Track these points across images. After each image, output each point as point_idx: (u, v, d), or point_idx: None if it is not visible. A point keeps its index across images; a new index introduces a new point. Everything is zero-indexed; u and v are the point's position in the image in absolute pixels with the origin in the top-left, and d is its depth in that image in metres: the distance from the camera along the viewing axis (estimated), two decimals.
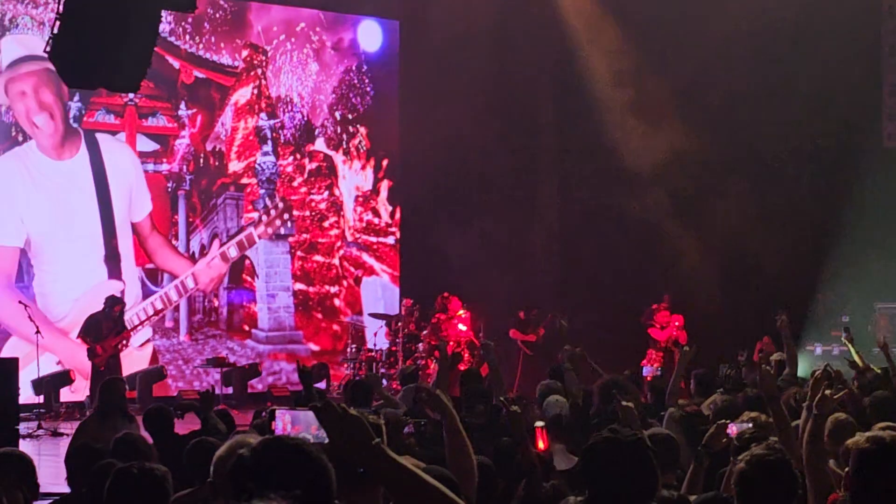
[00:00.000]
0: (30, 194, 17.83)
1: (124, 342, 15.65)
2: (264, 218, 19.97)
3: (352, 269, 21.54)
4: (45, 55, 8.86)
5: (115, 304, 15.75)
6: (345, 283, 21.39)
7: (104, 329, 15.37)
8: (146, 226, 19.09)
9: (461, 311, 17.84)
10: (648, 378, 10.48)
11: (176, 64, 19.48)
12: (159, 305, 18.98)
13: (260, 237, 19.99)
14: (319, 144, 21.21)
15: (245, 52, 20.37)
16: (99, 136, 18.71)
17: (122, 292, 18.11)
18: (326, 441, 3.15)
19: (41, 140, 18.03)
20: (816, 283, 17.76)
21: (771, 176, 18.55)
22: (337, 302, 21.23)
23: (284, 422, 4.33)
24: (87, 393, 15.58)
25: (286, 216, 20.19)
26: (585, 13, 19.50)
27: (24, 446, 9.95)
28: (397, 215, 21.83)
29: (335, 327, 20.77)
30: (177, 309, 19.42)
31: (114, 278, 18.37)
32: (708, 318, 16.80)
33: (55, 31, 8.71)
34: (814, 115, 18.28)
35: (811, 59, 17.89)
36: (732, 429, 6.50)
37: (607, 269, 19.41)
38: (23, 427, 10.24)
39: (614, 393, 7.69)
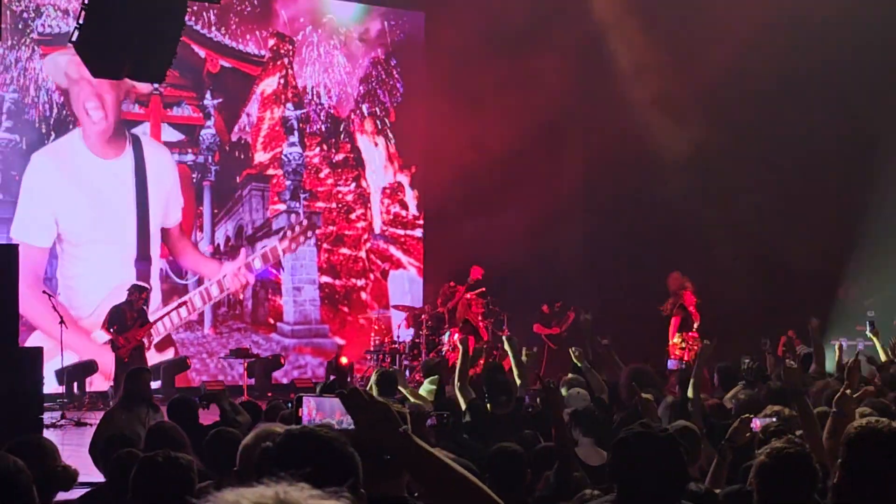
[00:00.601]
0: (67, 191, 18.09)
1: (149, 333, 16.00)
2: (289, 233, 20.26)
3: (379, 261, 21.78)
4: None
5: (140, 292, 16.05)
6: (371, 276, 21.64)
7: (128, 319, 15.67)
8: (175, 232, 19.42)
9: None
10: (673, 371, 10.62)
11: (202, 53, 19.72)
12: (184, 313, 19.31)
13: (284, 252, 20.30)
14: (346, 135, 21.46)
15: (272, 41, 20.62)
16: (143, 137, 19.08)
17: (148, 296, 18.48)
18: (352, 428, 3.21)
19: (89, 130, 18.33)
20: (841, 277, 17.87)
21: (797, 168, 18.67)
22: (364, 295, 21.47)
23: (310, 408, 4.54)
24: (111, 383, 15.92)
25: (310, 233, 20.49)
26: (613, 6, 19.68)
27: (48, 435, 10.19)
28: (421, 208, 22.10)
29: (361, 321, 21.00)
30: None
31: (142, 281, 18.62)
32: (732, 311, 16.98)
33: (81, 21, 8.95)
34: (840, 108, 18.38)
35: (840, 52, 18.00)
36: (756, 423, 6.63)
37: (632, 262, 19.61)
38: (46, 416, 10.48)
39: (633, 385, 7.89)
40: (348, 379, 13.70)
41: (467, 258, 19.54)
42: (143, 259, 18.85)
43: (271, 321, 20.41)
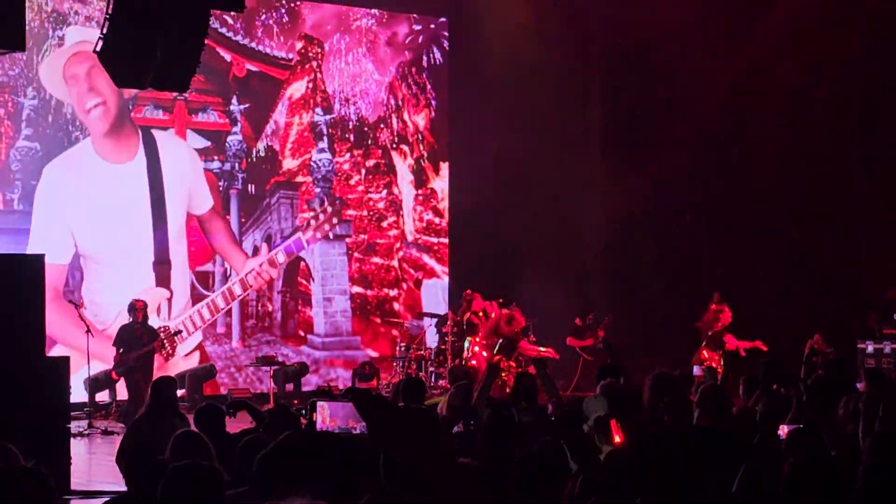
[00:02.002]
0: (81, 202, 18.45)
1: (156, 350, 16.60)
2: (313, 222, 20.60)
3: (411, 270, 22.20)
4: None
5: (133, 312, 16.63)
6: (404, 285, 22.06)
7: (133, 340, 16.36)
8: (209, 218, 19.82)
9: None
10: (699, 377, 11.07)
11: (227, 56, 20.06)
12: (207, 315, 19.69)
13: (309, 242, 20.65)
14: (376, 141, 21.88)
15: (299, 45, 20.97)
16: (156, 133, 19.39)
17: (169, 300, 19.07)
18: (365, 434, 3.59)
19: (96, 131, 18.65)
20: (867, 280, 18.42)
21: (825, 169, 19.29)
22: (396, 306, 21.87)
23: (324, 415, 5.06)
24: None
25: (335, 220, 20.78)
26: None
27: (75, 445, 10.82)
28: (448, 214, 22.54)
29: (394, 332, 21.34)
30: (229, 314, 20.09)
31: (161, 285, 19.13)
32: (759, 316, 17.61)
33: (104, 31, 9.55)
34: (868, 102, 19.02)
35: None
36: (783, 429, 7.05)
37: (659, 269, 20.13)
38: (73, 426, 11.08)
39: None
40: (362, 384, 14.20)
41: (495, 265, 20.11)
42: (161, 263, 19.21)
43: (301, 333, 20.81)
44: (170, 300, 19.04)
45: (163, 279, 19.20)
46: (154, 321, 18.00)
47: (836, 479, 4.80)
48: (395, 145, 22.13)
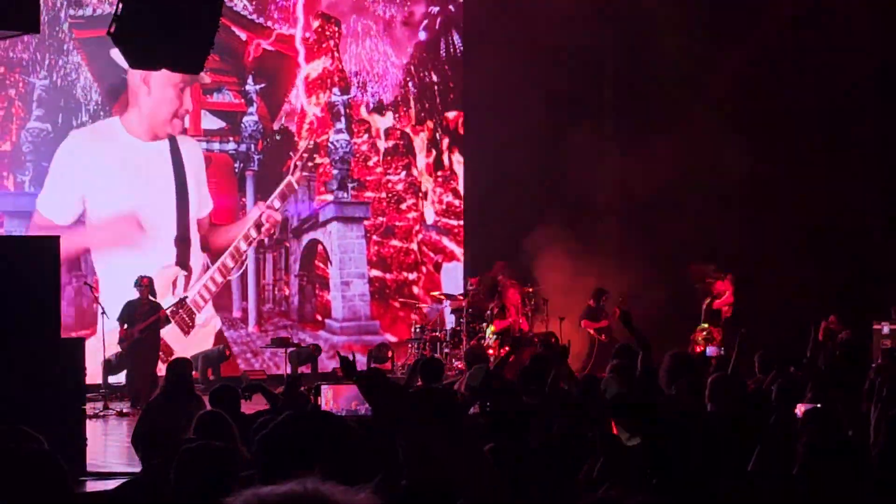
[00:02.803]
0: (100, 172, 18.79)
1: (159, 323, 16.94)
2: (298, 163, 20.81)
3: (431, 254, 22.48)
4: None
5: (140, 287, 16.95)
6: (424, 269, 22.33)
7: (137, 314, 16.69)
8: (205, 224, 20.11)
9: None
10: (714, 359, 11.38)
11: (243, 35, 20.33)
12: (219, 278, 20.04)
13: (298, 182, 20.85)
14: (395, 122, 22.15)
15: (316, 23, 21.20)
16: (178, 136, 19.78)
17: (187, 278, 19.44)
18: (369, 415, 3.80)
19: (143, 108, 19.08)
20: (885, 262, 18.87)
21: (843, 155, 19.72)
22: (416, 289, 22.11)
23: (326, 397, 5.34)
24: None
25: (315, 156, 21.12)
26: None
27: (91, 427, 11.19)
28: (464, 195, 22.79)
29: (413, 316, 21.58)
30: (245, 297, 20.41)
31: (180, 263, 19.52)
32: (773, 297, 18.05)
33: (118, 12, 9.87)
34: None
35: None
36: (800, 409, 7.34)
37: (674, 249, 20.47)
38: (89, 407, 11.42)
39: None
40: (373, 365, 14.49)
41: (509, 249, 20.48)
42: (182, 240, 19.61)
43: (319, 318, 21.09)
44: (187, 278, 19.36)
45: (183, 256, 19.58)
46: (170, 299, 18.37)
47: (850, 457, 5.05)
48: (413, 126, 22.36)
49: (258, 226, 20.39)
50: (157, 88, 19.12)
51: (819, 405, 7.57)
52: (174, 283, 19.43)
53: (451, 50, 22.74)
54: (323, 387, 5.23)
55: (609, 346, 17.73)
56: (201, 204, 20.07)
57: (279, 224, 20.69)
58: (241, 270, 20.32)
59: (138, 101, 19.18)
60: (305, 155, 20.94)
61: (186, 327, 19.22)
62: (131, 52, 10.03)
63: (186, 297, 18.66)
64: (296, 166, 20.84)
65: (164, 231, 19.50)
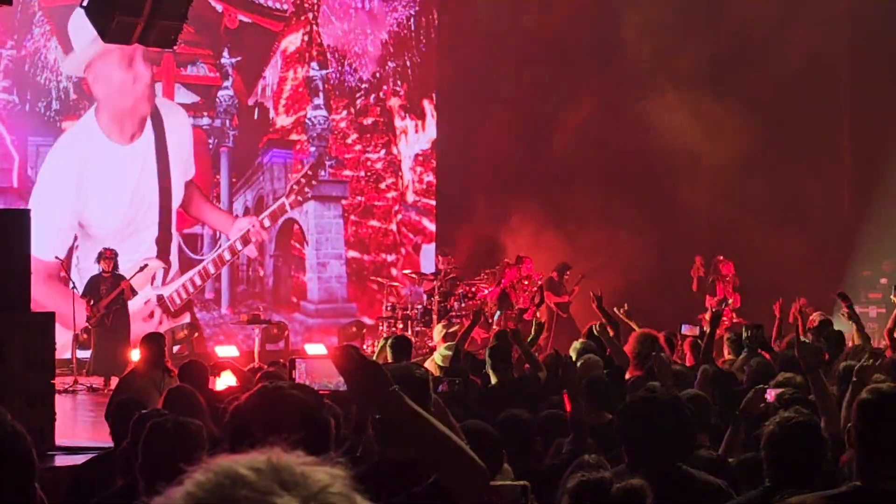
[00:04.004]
0: (88, 180, 19.15)
1: (124, 296, 17.32)
2: (295, 187, 21.25)
3: (410, 235, 22.80)
4: None
5: (103, 258, 17.24)
6: (403, 250, 22.66)
7: (101, 290, 17.12)
8: (193, 188, 20.45)
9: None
10: (688, 337, 11.91)
11: (219, 7, 20.55)
12: (199, 281, 20.44)
13: (292, 206, 21.30)
14: (375, 98, 22.45)
15: None
16: (160, 104, 20.07)
17: (166, 272, 19.94)
18: (344, 389, 3.85)
19: (108, 106, 19.37)
20: (854, 245, 19.65)
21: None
22: (394, 271, 22.35)
23: (301, 371, 5.65)
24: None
25: (314, 182, 21.49)
26: None
27: (60, 401, 11.66)
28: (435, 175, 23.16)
29: (391, 299, 21.61)
30: (218, 279, 20.76)
31: (161, 257, 19.93)
32: (747, 278, 18.82)
33: None
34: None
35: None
36: (770, 394, 7.76)
37: (651, 233, 21.12)
38: (58, 382, 11.80)
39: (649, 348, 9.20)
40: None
41: (484, 229, 21.02)
42: (164, 238, 20.02)
43: (294, 300, 21.38)
44: (166, 271, 19.83)
45: (164, 251, 19.98)
46: (148, 291, 18.87)
47: (818, 438, 5.23)
48: (392, 102, 22.67)
49: (245, 241, 20.80)
50: (106, 83, 19.41)
51: (789, 389, 7.91)
52: (153, 278, 19.82)
53: (426, 26, 22.99)
54: (298, 361, 5.63)
55: (568, 323, 18.55)
56: (186, 171, 20.39)
57: (265, 243, 21.16)
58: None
59: (100, 99, 19.44)
60: (304, 180, 21.29)
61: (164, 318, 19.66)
62: (104, 25, 10.51)
63: (148, 264, 18.72)
64: (292, 189, 21.24)
65: (150, 228, 19.89)
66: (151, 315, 19.70)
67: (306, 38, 21.72)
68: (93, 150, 19.30)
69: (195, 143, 20.67)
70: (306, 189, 21.39)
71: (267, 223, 21.13)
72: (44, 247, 17.11)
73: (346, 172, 22.14)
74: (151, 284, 19.67)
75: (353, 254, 22.17)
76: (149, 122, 19.92)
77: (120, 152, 19.58)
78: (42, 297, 15.83)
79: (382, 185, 22.63)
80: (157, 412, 6.26)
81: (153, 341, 10.96)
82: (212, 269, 20.65)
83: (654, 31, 21.02)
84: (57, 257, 18.01)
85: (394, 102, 22.81)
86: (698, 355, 10.50)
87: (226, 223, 20.92)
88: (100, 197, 19.30)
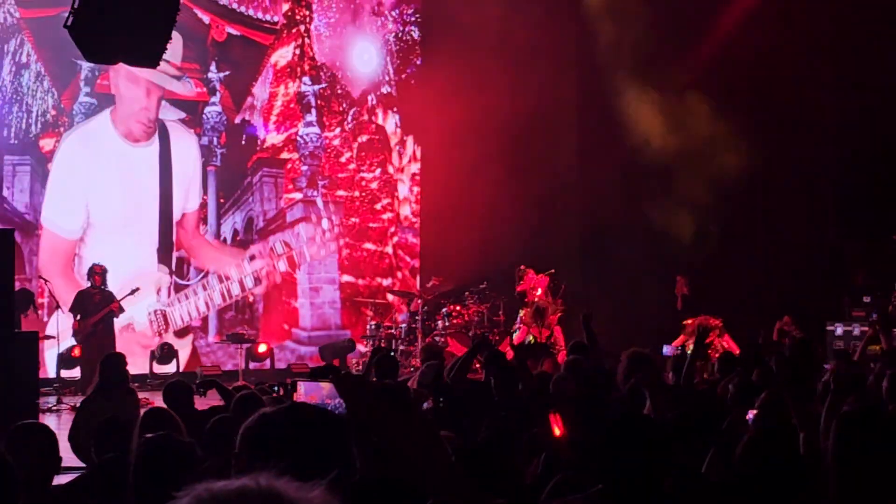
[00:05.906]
0: (97, 177, 19.89)
1: (113, 314, 18.12)
2: (318, 239, 21.96)
3: (407, 258, 23.26)
4: None
5: (92, 276, 18.14)
6: (399, 274, 23.10)
7: (90, 305, 18.01)
8: (192, 220, 21.08)
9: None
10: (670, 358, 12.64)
11: (206, 18, 21.04)
12: (203, 308, 21.09)
13: (312, 257, 21.98)
14: (370, 115, 22.97)
15: (286, 6, 21.97)
16: (168, 123, 20.74)
17: (170, 289, 20.69)
18: (344, 412, 3.96)
19: (124, 108, 20.17)
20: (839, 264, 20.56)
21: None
22: (390, 297, 22.79)
23: (300, 393, 6.33)
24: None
25: (338, 240, 22.22)
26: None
27: (44, 421, 12.49)
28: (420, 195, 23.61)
29: (387, 323, 21.97)
30: (207, 305, 21.24)
31: (163, 268, 20.61)
32: (731, 298, 19.69)
33: (75, 4, 11.27)
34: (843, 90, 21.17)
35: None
36: (750, 415, 8.54)
37: (634, 253, 21.84)
38: (42, 401, 12.46)
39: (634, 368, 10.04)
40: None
41: (469, 249, 21.57)
42: (165, 247, 20.60)
43: (285, 327, 21.79)
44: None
45: (165, 263, 20.59)
46: (152, 302, 19.79)
47: (794, 450, 5.66)
48: (388, 120, 23.22)
49: (257, 279, 21.54)
50: (125, 87, 20.20)
51: (765, 410, 8.68)
52: (158, 290, 20.54)
53: (411, 42, 23.61)
54: (300, 383, 6.29)
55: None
56: (190, 200, 21.04)
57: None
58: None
59: (115, 101, 20.18)
60: (329, 233, 21.98)
61: (163, 332, 20.45)
62: (87, 45, 11.41)
63: (138, 288, 19.21)
64: (314, 240, 21.94)
65: (151, 236, 20.54)
66: (158, 333, 20.52)
67: (298, 51, 22.17)
68: (105, 144, 20.03)
69: None
70: (331, 244, 22.11)
71: (283, 267, 21.82)
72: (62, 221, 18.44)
73: (340, 192, 22.53)
74: (157, 296, 20.45)
75: (347, 278, 22.52)
76: (156, 133, 20.55)
77: (130, 151, 20.23)
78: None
79: (378, 206, 23.03)
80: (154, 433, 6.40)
81: (113, 362, 11.41)
82: (219, 301, 21.22)
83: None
84: (41, 277, 18.75)
85: (389, 122, 23.36)
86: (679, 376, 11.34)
87: (224, 261, 21.43)
88: (106, 189, 19.93)
